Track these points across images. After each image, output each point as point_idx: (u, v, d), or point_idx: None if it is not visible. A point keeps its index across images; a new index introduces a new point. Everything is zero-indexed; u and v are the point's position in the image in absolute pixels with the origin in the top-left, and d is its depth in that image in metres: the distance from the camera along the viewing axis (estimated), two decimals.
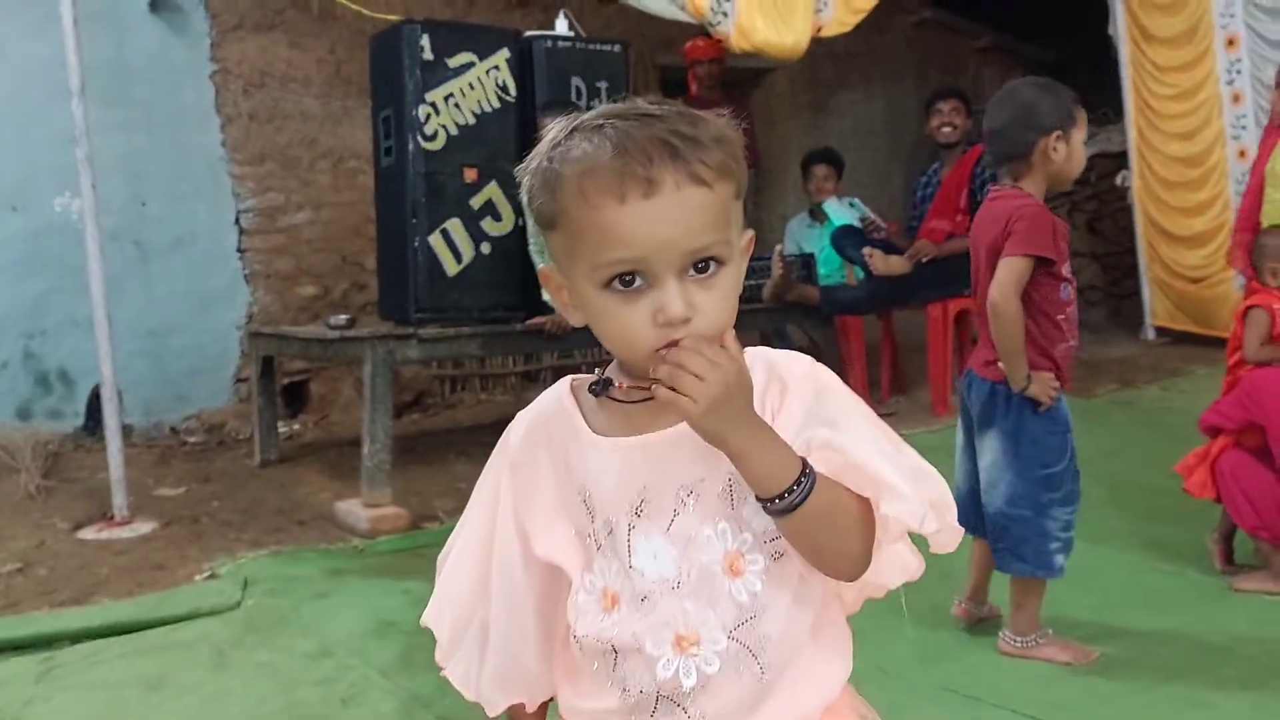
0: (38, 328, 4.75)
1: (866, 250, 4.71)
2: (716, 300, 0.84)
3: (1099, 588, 2.68)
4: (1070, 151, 2.27)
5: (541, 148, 0.87)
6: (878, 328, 5.13)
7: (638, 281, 0.83)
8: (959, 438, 2.45)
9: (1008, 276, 2.21)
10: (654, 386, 0.82)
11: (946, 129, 4.79)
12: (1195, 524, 2.95)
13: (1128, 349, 5.75)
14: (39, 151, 4.59)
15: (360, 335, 3.87)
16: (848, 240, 4.85)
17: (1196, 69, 5.46)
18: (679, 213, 0.82)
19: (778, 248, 4.77)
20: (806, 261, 4.90)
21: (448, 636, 0.97)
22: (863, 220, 4.98)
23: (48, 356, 4.78)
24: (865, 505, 0.85)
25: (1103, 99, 5.86)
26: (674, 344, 0.82)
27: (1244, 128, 5.30)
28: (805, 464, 0.83)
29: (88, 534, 3.63)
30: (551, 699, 0.98)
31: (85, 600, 3.04)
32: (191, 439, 4.94)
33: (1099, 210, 6.76)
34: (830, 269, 5.11)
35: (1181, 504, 3.02)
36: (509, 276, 4.08)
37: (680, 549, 0.87)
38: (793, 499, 0.82)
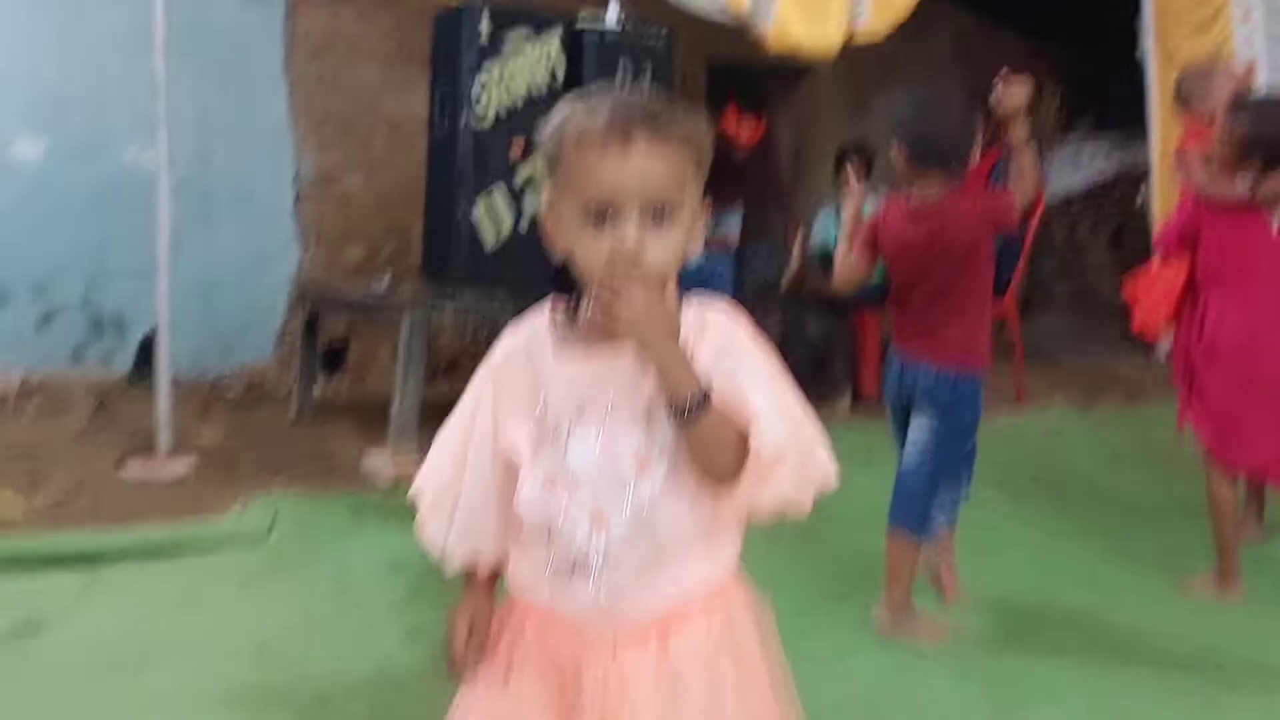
0: (100, 272, 4.96)
1: None
2: (663, 244, 1.09)
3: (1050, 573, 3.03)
4: None
5: (557, 111, 1.14)
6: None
7: (608, 219, 1.07)
8: (892, 426, 2.62)
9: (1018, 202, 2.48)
10: (590, 305, 1.06)
11: None
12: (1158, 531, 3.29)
13: (1138, 367, 5.78)
14: (114, 105, 4.81)
15: (400, 297, 4.05)
16: None
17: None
18: (646, 165, 1.07)
19: (798, 238, 4.79)
20: (828, 255, 4.93)
21: (428, 501, 1.20)
22: None
23: (105, 302, 4.99)
24: (744, 433, 1.08)
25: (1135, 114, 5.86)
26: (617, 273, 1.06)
27: None
28: (707, 388, 1.07)
29: (130, 470, 3.82)
30: (499, 576, 1.21)
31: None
32: (230, 394, 5.13)
33: (1124, 223, 6.81)
34: None
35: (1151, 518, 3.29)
36: (541, 252, 4.22)
37: (603, 447, 1.11)
38: (695, 413, 1.06)
